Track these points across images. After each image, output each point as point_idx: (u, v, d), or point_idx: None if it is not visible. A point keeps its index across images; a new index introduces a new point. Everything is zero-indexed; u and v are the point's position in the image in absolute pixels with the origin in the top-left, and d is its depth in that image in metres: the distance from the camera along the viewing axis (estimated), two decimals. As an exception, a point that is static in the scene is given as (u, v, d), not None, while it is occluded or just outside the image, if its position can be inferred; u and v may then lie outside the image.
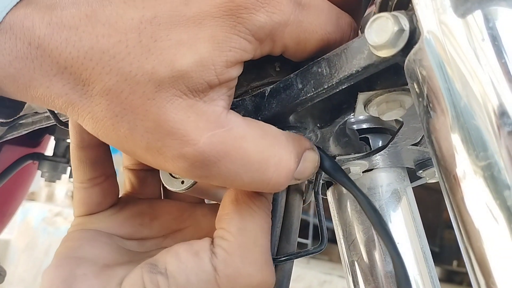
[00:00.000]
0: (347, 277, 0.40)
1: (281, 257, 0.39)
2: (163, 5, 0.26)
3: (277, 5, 0.27)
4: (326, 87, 0.28)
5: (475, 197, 0.21)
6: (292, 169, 0.28)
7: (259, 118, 0.31)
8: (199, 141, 0.26)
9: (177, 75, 0.25)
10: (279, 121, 0.31)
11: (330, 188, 0.43)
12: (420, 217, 0.41)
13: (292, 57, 0.30)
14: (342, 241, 0.42)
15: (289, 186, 0.43)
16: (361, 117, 0.42)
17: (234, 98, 0.33)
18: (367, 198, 0.30)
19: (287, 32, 0.28)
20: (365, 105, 0.29)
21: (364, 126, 0.41)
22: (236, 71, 0.28)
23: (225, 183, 0.28)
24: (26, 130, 0.53)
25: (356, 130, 0.40)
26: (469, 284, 0.23)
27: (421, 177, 0.42)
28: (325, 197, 0.45)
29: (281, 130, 0.29)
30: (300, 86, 0.29)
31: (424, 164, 0.39)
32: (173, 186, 0.32)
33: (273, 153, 0.28)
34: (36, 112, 0.50)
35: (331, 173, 0.32)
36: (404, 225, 0.39)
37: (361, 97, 0.29)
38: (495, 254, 0.21)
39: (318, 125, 0.32)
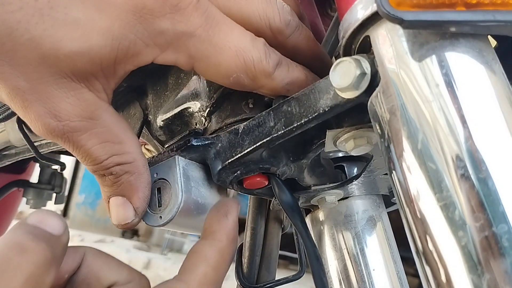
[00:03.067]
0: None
1: (261, 285, 0.40)
2: None
3: (186, 15, 0.27)
4: (296, 125, 0.29)
5: (436, 235, 0.22)
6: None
7: (233, 154, 0.32)
8: (67, 124, 0.28)
9: (62, 57, 0.26)
10: (253, 157, 0.32)
11: (308, 216, 0.44)
12: (400, 239, 0.42)
13: (209, 76, 0.30)
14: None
15: (268, 214, 0.44)
16: (336, 146, 0.43)
17: (209, 134, 0.34)
18: (313, 245, 0.31)
19: (192, 44, 0.28)
20: (334, 141, 0.30)
21: (340, 154, 0.42)
22: (125, 70, 0.28)
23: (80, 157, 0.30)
24: (10, 161, 0.54)
25: (332, 158, 0.41)
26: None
27: (396, 203, 0.43)
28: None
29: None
30: (272, 123, 0.30)
31: (397, 191, 0.40)
32: (151, 221, 0.33)
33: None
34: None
35: (285, 209, 0.33)
36: (380, 251, 0.40)
37: (330, 134, 0.30)
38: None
39: (291, 159, 0.33)
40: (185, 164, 0.33)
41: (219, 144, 0.33)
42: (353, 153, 0.30)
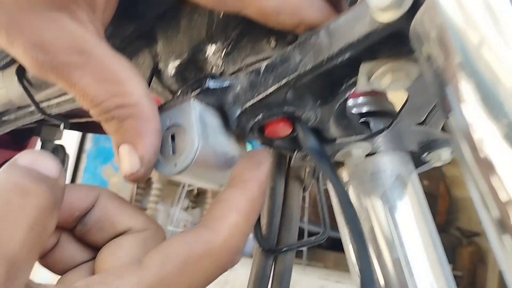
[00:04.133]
0: (352, 264, 0.38)
1: (282, 248, 0.37)
2: None
3: None
4: (326, 57, 0.26)
5: (503, 163, 0.19)
6: None
7: (255, 95, 0.29)
8: (55, 57, 0.26)
9: None
10: (276, 98, 0.29)
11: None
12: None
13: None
14: (342, 228, 0.40)
15: (288, 174, 0.41)
16: (360, 100, 0.40)
17: (229, 76, 0.31)
18: (343, 190, 0.28)
19: None
20: (368, 77, 0.27)
21: (364, 109, 0.39)
22: None
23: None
24: (10, 127, 0.51)
25: (356, 114, 0.38)
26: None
27: (426, 162, 0.40)
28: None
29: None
30: (298, 58, 0.27)
31: (429, 146, 0.37)
32: (165, 170, 0.30)
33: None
34: (19, 108, 0.48)
35: (313, 155, 0.30)
36: (411, 211, 0.37)
37: (364, 67, 0.27)
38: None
39: (318, 102, 0.30)
40: (201, 109, 0.30)
41: (239, 86, 0.30)
42: (390, 90, 0.27)
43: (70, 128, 0.73)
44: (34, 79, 0.37)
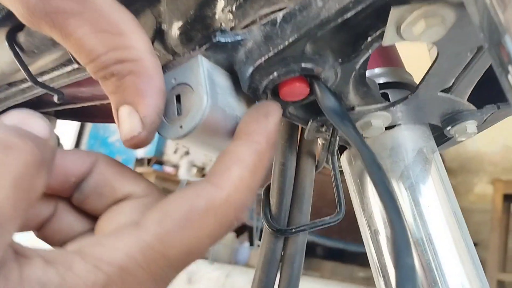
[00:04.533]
0: (369, 249, 0.35)
1: (293, 229, 0.34)
2: None
3: None
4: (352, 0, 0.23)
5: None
6: None
7: (271, 48, 0.26)
8: (47, 1, 0.24)
9: None
10: (294, 52, 0.26)
11: (344, 153, 0.38)
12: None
13: None
14: (359, 211, 0.37)
15: (300, 149, 0.38)
16: (377, 71, 0.37)
17: (240, 30, 0.28)
18: (370, 151, 0.25)
19: None
20: (398, 25, 0.25)
21: (382, 80, 0.36)
22: None
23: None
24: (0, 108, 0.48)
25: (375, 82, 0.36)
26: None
27: (449, 137, 0.37)
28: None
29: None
30: (320, 3, 0.24)
31: (453, 118, 0.34)
32: (169, 133, 0.27)
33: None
34: (10, 84, 0.45)
35: (330, 115, 0.27)
36: (433, 189, 0.34)
37: (394, 13, 0.24)
38: None
39: (339, 60, 0.27)
40: (210, 67, 0.27)
41: (252, 41, 0.27)
42: (422, 39, 0.24)
43: (65, 117, 0.70)
44: (26, 43, 0.35)
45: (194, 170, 4.43)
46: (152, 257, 0.20)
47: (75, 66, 0.40)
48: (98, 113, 0.67)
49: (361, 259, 4.02)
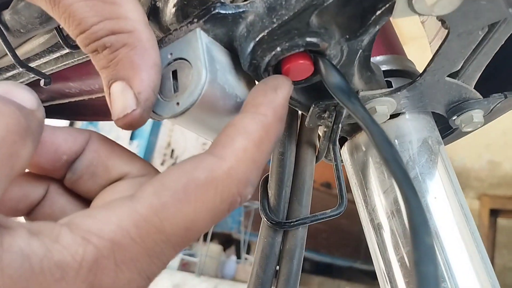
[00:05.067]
0: (372, 245, 0.33)
1: (293, 222, 0.32)
2: None
3: None
4: (363, -35, 0.22)
5: None
6: None
7: (274, 20, 0.24)
8: None
9: None
10: (299, 25, 0.24)
11: (346, 144, 0.36)
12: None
13: None
14: (361, 204, 0.35)
15: (300, 138, 0.37)
16: (379, 59, 0.36)
17: (241, 2, 0.26)
18: (380, 128, 0.23)
19: None
20: (410, -3, 0.23)
21: (384, 67, 0.35)
22: None
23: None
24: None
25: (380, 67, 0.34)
26: None
27: (454, 129, 0.36)
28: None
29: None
30: (328, -30, 0.23)
31: (458, 107, 0.33)
32: (165, 111, 0.25)
33: None
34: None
35: (337, 93, 0.25)
36: (439, 179, 0.33)
37: (407, -19, 0.22)
38: None
39: (346, 36, 0.26)
40: (209, 42, 0.25)
41: (253, 13, 0.25)
42: (435, 11, 0.23)
43: (52, 116, 0.67)
44: (12, 22, 0.33)
45: (181, 183, 4.38)
46: (147, 230, 0.18)
47: (63, 51, 0.38)
48: (87, 111, 0.65)
49: (348, 274, 4.00)
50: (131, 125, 0.24)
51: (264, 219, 0.33)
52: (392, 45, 0.37)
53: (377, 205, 0.33)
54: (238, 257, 3.65)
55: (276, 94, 0.23)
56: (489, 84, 0.34)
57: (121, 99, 0.24)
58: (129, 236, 0.17)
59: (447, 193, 0.32)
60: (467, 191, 3.79)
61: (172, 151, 4.26)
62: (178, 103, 0.25)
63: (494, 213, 3.26)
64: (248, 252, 3.58)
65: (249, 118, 0.22)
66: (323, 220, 0.33)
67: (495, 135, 3.32)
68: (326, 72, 0.25)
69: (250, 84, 0.28)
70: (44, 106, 0.22)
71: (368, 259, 0.34)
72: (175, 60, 0.26)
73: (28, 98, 0.21)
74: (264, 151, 0.21)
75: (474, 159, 3.64)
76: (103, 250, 0.17)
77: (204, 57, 0.24)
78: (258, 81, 0.28)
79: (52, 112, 0.64)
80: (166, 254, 0.18)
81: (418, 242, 0.18)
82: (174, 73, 0.26)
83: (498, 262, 3.25)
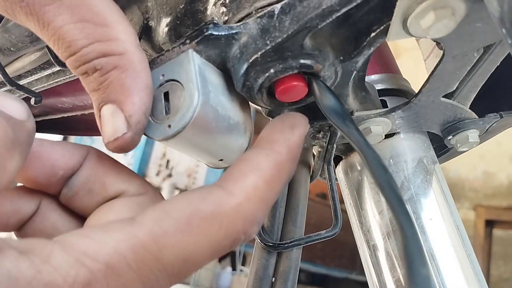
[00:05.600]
0: (367, 266, 0.33)
1: (287, 243, 0.32)
2: None
3: None
4: (357, -12, 0.22)
5: None
6: None
7: (268, 42, 0.24)
8: None
9: None
10: (293, 47, 0.24)
11: (340, 163, 0.36)
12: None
13: None
14: (356, 225, 0.34)
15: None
16: (374, 77, 0.36)
17: (234, 23, 0.26)
18: (375, 152, 0.22)
19: None
20: (404, 18, 0.23)
21: (379, 86, 0.35)
22: None
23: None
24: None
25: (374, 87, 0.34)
26: None
27: (449, 148, 0.35)
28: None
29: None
30: (322, -7, 0.23)
31: (454, 127, 0.33)
32: (157, 133, 0.25)
33: None
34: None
35: (331, 115, 0.25)
36: (434, 199, 0.32)
37: (402, 4, 0.22)
38: None
39: (340, 57, 0.26)
40: (201, 63, 0.25)
41: (247, 35, 0.25)
42: (431, 34, 0.23)
43: (45, 131, 0.67)
44: (2, 40, 0.32)
45: (177, 193, 4.37)
46: (144, 257, 0.17)
47: (55, 68, 0.38)
48: (80, 126, 0.64)
49: (344, 285, 3.98)
50: (122, 148, 0.24)
51: (257, 240, 0.33)
52: (387, 64, 0.36)
53: (373, 226, 0.33)
54: (234, 268, 3.62)
55: (292, 132, 0.23)
56: (485, 102, 0.34)
57: (111, 122, 0.23)
58: (125, 261, 0.17)
59: (442, 214, 0.32)
60: (462, 202, 3.79)
61: (168, 161, 4.24)
62: (169, 126, 0.24)
63: (490, 223, 3.26)
64: (243, 264, 3.56)
65: (263, 154, 0.21)
66: (318, 241, 0.33)
67: (490, 145, 3.33)
68: (320, 94, 0.25)
69: (243, 105, 0.27)
70: (37, 121, 0.22)
71: (364, 270, 0.33)
72: (167, 81, 0.25)
73: (17, 108, 0.20)
74: (275, 190, 0.21)
75: (469, 169, 3.65)
76: (97, 273, 0.16)
77: (197, 78, 0.24)
78: (252, 102, 0.27)
79: (45, 126, 0.63)
80: (160, 283, 0.18)
81: (413, 274, 0.18)
82: (166, 95, 0.25)
83: (494, 273, 3.24)
